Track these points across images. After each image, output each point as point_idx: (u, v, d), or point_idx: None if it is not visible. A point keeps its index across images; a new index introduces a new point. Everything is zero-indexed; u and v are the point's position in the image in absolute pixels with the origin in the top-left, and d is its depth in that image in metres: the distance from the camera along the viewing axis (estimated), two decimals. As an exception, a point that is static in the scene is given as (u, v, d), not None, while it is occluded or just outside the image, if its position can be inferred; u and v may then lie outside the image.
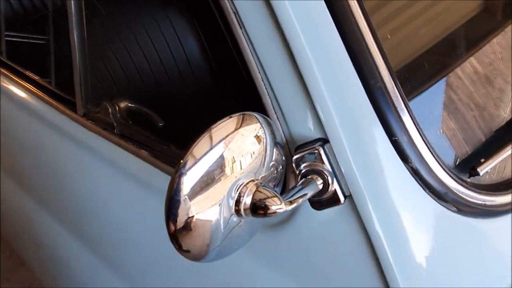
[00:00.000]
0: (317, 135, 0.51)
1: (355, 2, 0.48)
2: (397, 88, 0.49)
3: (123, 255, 0.83)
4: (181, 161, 0.43)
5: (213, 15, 0.54)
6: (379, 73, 0.48)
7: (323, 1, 0.48)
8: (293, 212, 0.56)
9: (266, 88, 0.53)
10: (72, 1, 0.75)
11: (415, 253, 0.50)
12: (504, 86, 0.62)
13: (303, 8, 0.48)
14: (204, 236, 0.45)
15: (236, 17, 0.51)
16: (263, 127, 0.48)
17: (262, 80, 0.53)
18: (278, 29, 0.49)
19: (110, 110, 0.78)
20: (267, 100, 0.53)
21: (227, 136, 0.45)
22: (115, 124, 0.78)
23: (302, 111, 0.51)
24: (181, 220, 0.44)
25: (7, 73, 1.00)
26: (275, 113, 0.53)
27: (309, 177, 0.50)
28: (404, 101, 0.49)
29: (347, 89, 0.49)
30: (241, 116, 0.46)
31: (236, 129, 0.46)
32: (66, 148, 0.88)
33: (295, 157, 0.51)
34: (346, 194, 0.51)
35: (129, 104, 0.80)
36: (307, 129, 0.51)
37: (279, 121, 0.53)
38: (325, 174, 0.50)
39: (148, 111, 0.82)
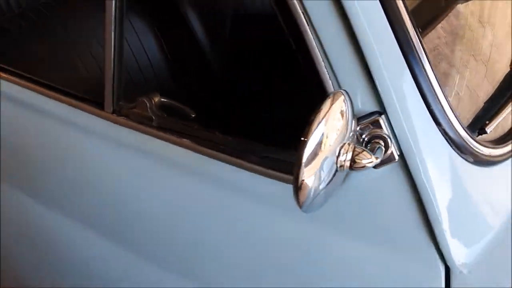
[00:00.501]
0: (374, 108, 0.66)
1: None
2: (433, 72, 0.66)
3: (174, 246, 0.88)
4: (303, 138, 0.55)
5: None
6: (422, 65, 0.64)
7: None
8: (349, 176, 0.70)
9: (327, 70, 0.66)
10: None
11: (449, 194, 0.67)
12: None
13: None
14: (313, 193, 0.58)
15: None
16: (345, 102, 0.61)
17: (324, 63, 0.65)
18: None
19: (148, 105, 0.84)
20: (328, 79, 0.66)
21: (327, 112, 0.57)
22: (153, 118, 0.85)
23: (362, 88, 0.65)
24: (299, 182, 0.56)
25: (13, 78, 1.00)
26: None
27: (374, 141, 0.65)
28: (438, 81, 0.66)
29: (397, 70, 0.65)
30: (334, 94, 0.59)
31: (331, 106, 0.58)
32: (99, 149, 0.91)
33: (359, 126, 0.65)
34: (398, 153, 0.66)
35: (162, 99, 0.87)
36: (365, 103, 0.66)
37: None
38: (385, 139, 0.65)
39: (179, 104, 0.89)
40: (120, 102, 0.87)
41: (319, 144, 0.56)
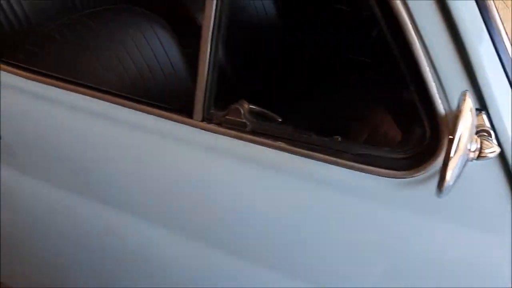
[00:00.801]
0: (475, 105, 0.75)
1: None
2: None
3: (274, 247, 0.92)
4: (451, 136, 0.63)
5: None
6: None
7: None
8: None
9: (429, 69, 0.74)
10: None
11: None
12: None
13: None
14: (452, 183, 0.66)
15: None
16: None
17: (426, 61, 0.74)
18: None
19: (242, 111, 0.89)
20: (430, 79, 0.75)
21: (465, 110, 0.66)
22: (247, 123, 0.89)
23: (463, 87, 0.74)
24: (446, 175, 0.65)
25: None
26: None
27: (479, 134, 0.74)
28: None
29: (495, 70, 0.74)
30: (464, 94, 0.68)
31: (465, 105, 0.67)
32: (187, 155, 0.94)
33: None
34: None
35: (250, 106, 0.91)
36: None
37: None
38: (489, 132, 0.74)
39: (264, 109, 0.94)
40: (211, 110, 0.91)
41: (459, 139, 0.64)
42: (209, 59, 0.87)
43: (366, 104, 1.29)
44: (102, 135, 1.02)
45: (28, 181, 1.14)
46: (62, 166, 1.10)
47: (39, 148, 1.11)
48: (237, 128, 0.90)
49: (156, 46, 1.46)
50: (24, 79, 1.11)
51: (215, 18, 0.84)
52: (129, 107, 0.98)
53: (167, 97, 1.38)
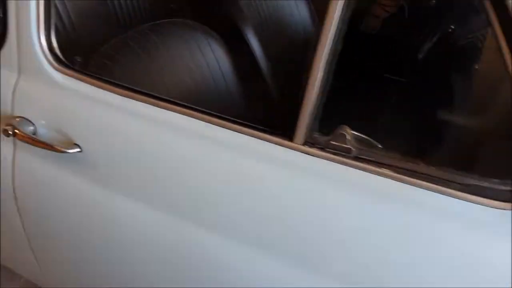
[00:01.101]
0: None
1: None
2: None
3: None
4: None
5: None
6: None
7: None
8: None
9: None
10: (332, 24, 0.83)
11: None
12: None
13: None
14: None
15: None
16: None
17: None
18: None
19: (347, 137, 0.88)
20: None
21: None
22: (352, 149, 0.88)
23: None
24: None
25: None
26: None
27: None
28: None
29: None
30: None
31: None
32: (285, 178, 0.93)
33: None
34: None
35: (353, 131, 0.91)
36: None
37: None
38: None
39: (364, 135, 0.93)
40: (314, 135, 0.90)
41: None
42: (320, 83, 0.86)
43: (471, 133, 1.29)
44: (189, 152, 1.00)
45: (111, 196, 1.11)
46: (145, 181, 1.08)
47: (122, 161, 1.08)
48: (342, 154, 0.89)
49: (211, 60, 1.47)
50: (102, 90, 1.09)
51: (331, 45, 0.84)
52: (221, 126, 0.97)
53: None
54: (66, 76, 1.12)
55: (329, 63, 0.85)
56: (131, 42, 1.24)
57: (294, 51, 1.92)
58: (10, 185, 1.31)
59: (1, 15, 1.13)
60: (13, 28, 1.12)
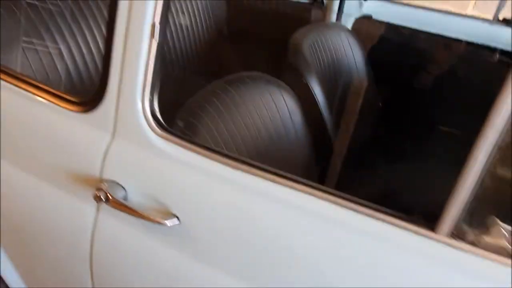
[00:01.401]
0: None
1: None
2: None
3: None
4: None
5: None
6: None
7: None
8: None
9: None
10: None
11: None
12: None
13: None
14: None
15: None
16: None
17: None
18: None
19: (505, 234, 0.78)
20: None
21: None
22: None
23: None
24: None
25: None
26: None
27: None
28: None
29: None
30: None
31: None
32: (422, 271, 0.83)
33: None
34: None
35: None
36: None
37: None
38: None
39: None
40: (463, 228, 0.80)
41: None
42: (481, 173, 0.77)
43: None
44: (316, 237, 0.90)
45: (213, 274, 1.02)
46: (256, 264, 0.98)
47: (225, 238, 0.99)
48: (499, 252, 0.79)
49: (285, 113, 1.43)
50: (207, 159, 1.01)
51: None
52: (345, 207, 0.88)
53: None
54: (167, 142, 1.04)
55: (492, 157, 0.76)
56: (214, 97, 1.18)
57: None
58: (87, 249, 1.22)
59: (101, 71, 1.06)
60: (115, 87, 1.05)
